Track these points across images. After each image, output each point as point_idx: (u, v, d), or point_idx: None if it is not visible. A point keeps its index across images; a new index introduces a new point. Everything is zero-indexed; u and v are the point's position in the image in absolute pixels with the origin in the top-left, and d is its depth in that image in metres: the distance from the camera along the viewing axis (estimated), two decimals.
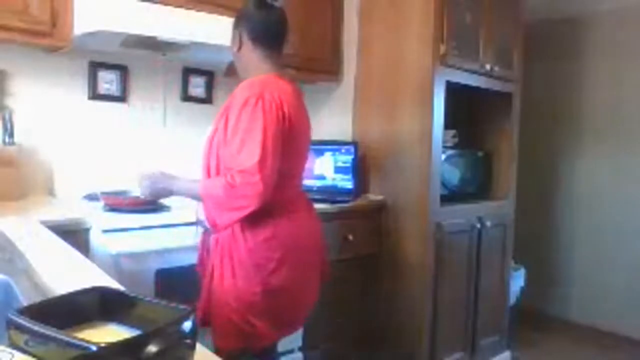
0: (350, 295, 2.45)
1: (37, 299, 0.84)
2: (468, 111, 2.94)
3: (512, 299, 3.08)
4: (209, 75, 2.60)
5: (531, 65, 3.27)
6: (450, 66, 2.45)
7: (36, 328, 0.57)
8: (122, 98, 2.34)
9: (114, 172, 2.20)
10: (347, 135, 2.73)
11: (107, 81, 2.29)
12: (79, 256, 1.20)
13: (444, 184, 2.55)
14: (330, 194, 2.53)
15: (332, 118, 2.83)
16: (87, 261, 1.16)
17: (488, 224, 2.71)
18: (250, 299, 1.48)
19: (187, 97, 2.54)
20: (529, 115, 3.21)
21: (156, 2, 1.98)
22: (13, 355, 0.57)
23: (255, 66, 1.61)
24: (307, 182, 2.46)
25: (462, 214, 2.63)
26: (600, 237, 3.52)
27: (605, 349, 3.22)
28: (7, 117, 1.98)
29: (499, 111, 2.93)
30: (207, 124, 1.77)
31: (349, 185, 2.56)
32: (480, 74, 2.65)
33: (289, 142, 1.50)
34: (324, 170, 2.62)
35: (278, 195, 1.47)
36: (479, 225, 2.68)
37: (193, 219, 1.74)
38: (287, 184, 1.54)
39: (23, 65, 2.08)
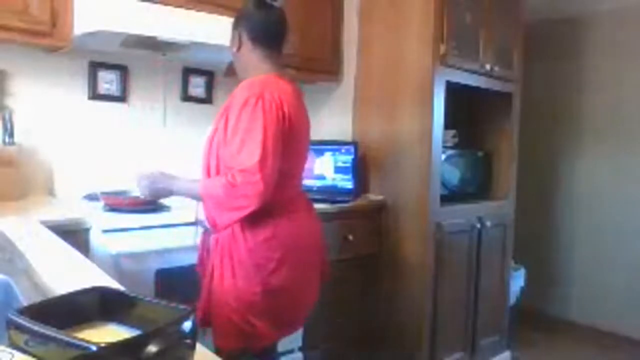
0: (350, 295, 2.45)
1: (37, 299, 0.84)
2: (468, 111, 2.94)
3: (512, 299, 3.08)
4: (209, 75, 2.60)
5: (531, 65, 3.27)
6: (450, 66, 2.45)
7: (36, 328, 0.57)
8: (122, 98, 2.34)
9: (114, 172, 2.20)
10: (347, 135, 2.73)
11: (107, 81, 2.29)
12: (79, 256, 1.20)
13: (444, 184, 2.55)
14: (330, 194, 2.53)
15: (332, 118, 2.83)
16: (87, 261, 1.16)
17: (488, 224, 2.71)
18: (250, 299, 1.48)
19: (187, 97, 2.54)
20: (529, 115, 3.21)
21: (156, 2, 1.98)
22: (13, 355, 0.57)
23: (255, 66, 1.61)
24: (307, 182, 2.47)
25: (462, 214, 2.63)
26: (600, 237, 3.52)
27: (605, 349, 3.22)
28: (7, 117, 1.98)
29: (499, 111, 2.93)
30: (207, 124, 1.77)
31: (349, 185, 2.56)
32: (480, 74, 2.65)
33: (289, 142, 1.50)
34: (324, 170, 2.62)
35: (278, 195, 1.47)
36: (479, 225, 2.68)
37: (193, 219, 1.74)
38: (287, 184, 1.54)
39: (23, 65, 2.08)
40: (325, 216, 2.17)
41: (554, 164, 3.75)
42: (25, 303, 0.84)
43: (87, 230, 1.70)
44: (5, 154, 1.98)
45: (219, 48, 2.04)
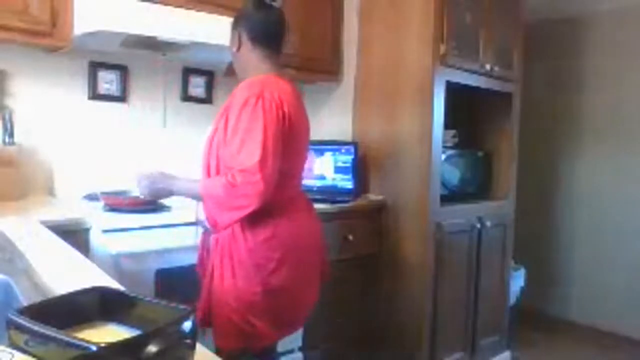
0: (350, 295, 2.45)
1: (37, 299, 0.84)
2: (468, 111, 2.94)
3: (512, 299, 3.08)
4: (209, 75, 2.60)
5: (531, 65, 3.27)
6: (450, 66, 2.45)
7: (36, 328, 0.57)
8: (122, 98, 2.34)
9: (114, 172, 2.20)
10: (347, 135, 2.73)
11: (107, 81, 2.29)
12: (79, 256, 1.20)
13: (444, 184, 2.55)
14: (330, 194, 2.53)
15: (332, 118, 2.83)
16: (87, 261, 1.16)
17: (488, 224, 2.71)
18: (251, 299, 1.48)
19: (187, 97, 2.54)
20: (529, 115, 3.21)
21: (156, 2, 1.98)
22: (13, 355, 0.57)
23: (254, 66, 1.61)
24: (307, 182, 2.46)
25: (462, 214, 2.63)
26: (600, 237, 3.52)
27: (605, 349, 3.22)
28: (7, 117, 1.98)
29: (499, 111, 2.93)
30: (207, 124, 1.77)
31: (349, 185, 2.56)
32: (480, 74, 2.65)
33: (289, 141, 1.50)
34: (324, 170, 2.62)
35: (278, 195, 1.47)
36: (479, 225, 2.68)
37: (193, 219, 1.74)
38: (287, 184, 1.54)
39: (23, 65, 2.08)
40: (325, 216, 2.17)
41: (554, 164, 3.75)
42: (25, 303, 0.84)
43: (87, 230, 1.70)
44: (5, 154, 1.98)
45: (219, 48, 2.04)
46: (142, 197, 1.67)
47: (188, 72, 2.53)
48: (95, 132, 2.26)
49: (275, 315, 1.53)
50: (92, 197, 2.01)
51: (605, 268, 3.48)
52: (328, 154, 2.61)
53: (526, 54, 2.98)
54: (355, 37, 2.72)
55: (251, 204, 1.40)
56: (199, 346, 0.67)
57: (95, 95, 2.26)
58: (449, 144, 2.69)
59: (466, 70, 2.56)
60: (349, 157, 2.56)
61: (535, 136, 3.55)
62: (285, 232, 1.53)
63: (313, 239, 1.65)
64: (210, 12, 2.11)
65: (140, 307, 0.69)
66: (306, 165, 1.71)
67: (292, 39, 1.86)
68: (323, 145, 2.62)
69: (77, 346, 0.55)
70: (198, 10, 2.08)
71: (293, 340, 2.13)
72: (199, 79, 2.57)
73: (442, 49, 2.40)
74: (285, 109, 1.49)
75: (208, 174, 1.57)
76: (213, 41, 2.04)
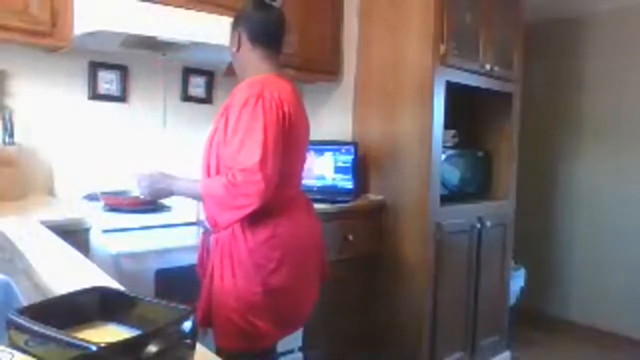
0: (350, 295, 2.45)
1: (37, 299, 0.84)
2: (468, 111, 2.94)
3: (512, 299, 3.08)
4: (209, 75, 2.60)
5: (531, 65, 3.27)
6: (450, 66, 2.45)
7: (36, 328, 0.57)
8: (122, 98, 2.34)
9: (114, 172, 2.20)
10: (347, 135, 2.73)
11: (107, 81, 2.29)
12: (79, 256, 1.20)
13: (444, 184, 2.55)
14: (330, 194, 2.53)
15: (332, 118, 2.83)
16: (87, 261, 1.16)
17: (488, 224, 2.71)
18: (251, 299, 1.48)
19: (187, 97, 2.54)
20: (529, 115, 3.21)
21: (156, 2, 1.98)
22: (13, 355, 0.57)
23: (254, 66, 1.61)
24: (307, 182, 2.46)
25: (462, 214, 2.63)
26: (600, 237, 3.52)
27: (605, 349, 3.22)
28: (7, 117, 1.98)
29: (499, 111, 2.93)
30: (207, 124, 1.77)
31: (349, 185, 2.56)
32: (480, 74, 2.65)
33: (289, 141, 1.50)
34: (324, 170, 2.62)
35: (278, 195, 1.47)
36: (479, 225, 2.68)
37: (193, 219, 1.74)
38: (286, 184, 1.54)
39: (23, 65, 2.08)
40: (325, 216, 2.17)
41: (554, 164, 3.75)
42: (25, 303, 0.84)
43: (87, 230, 1.70)
44: (5, 154, 1.98)
45: (219, 48, 2.04)
46: (142, 197, 1.67)
47: (188, 72, 2.53)
48: (95, 132, 2.26)
49: (275, 315, 1.53)
50: (92, 197, 2.01)
51: (605, 268, 3.48)
52: (328, 154, 2.61)
53: (526, 54, 2.98)
54: (355, 37, 2.72)
55: (252, 204, 1.40)
56: (199, 346, 0.67)
57: (95, 95, 2.26)
58: (449, 144, 2.69)
59: (466, 70, 2.56)
60: (349, 157, 2.56)
61: (535, 136, 3.55)
62: (286, 232, 1.53)
63: (313, 239, 1.65)
64: (210, 12, 2.11)
65: (140, 307, 0.69)
66: (306, 165, 1.71)
67: (292, 39, 1.87)
68: (323, 145, 2.62)
69: (77, 346, 0.55)
70: (198, 10, 2.08)
71: (293, 340, 2.13)
72: (199, 79, 2.57)
73: (442, 49, 2.40)
74: (285, 109, 1.49)
75: (208, 174, 1.57)
76: (213, 41, 2.04)
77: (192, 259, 1.69)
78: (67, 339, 0.56)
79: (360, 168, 2.61)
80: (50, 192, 2.15)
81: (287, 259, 1.52)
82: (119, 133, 2.32)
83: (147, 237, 1.75)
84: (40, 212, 1.74)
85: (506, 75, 2.80)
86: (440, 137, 2.45)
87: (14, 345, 0.59)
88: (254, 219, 1.47)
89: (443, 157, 2.52)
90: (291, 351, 2.16)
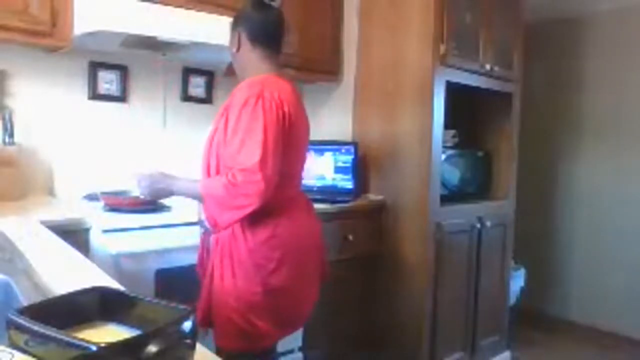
0: (350, 295, 2.45)
1: (37, 299, 0.84)
2: (468, 111, 2.94)
3: (512, 299, 3.08)
4: (209, 75, 2.60)
5: (531, 65, 3.27)
6: (450, 66, 2.45)
7: (36, 328, 0.57)
8: (122, 98, 2.34)
9: (114, 172, 2.19)
10: (347, 135, 2.73)
11: (107, 81, 2.29)
12: (79, 256, 1.20)
13: (444, 184, 2.55)
14: (330, 194, 2.53)
15: (332, 118, 2.83)
16: (87, 261, 1.16)
17: (488, 224, 2.71)
18: (251, 299, 1.48)
19: (187, 97, 2.54)
20: (529, 115, 3.21)
21: (156, 2, 1.98)
22: (13, 355, 0.57)
23: (254, 66, 1.61)
24: (307, 182, 2.46)
25: (462, 214, 2.63)
26: (600, 237, 3.52)
27: (605, 349, 3.22)
28: (7, 117, 1.98)
29: (499, 111, 2.93)
30: (207, 124, 1.77)
31: (349, 185, 2.56)
32: (480, 74, 2.65)
33: (289, 141, 1.50)
34: (324, 170, 2.62)
35: (278, 195, 1.47)
36: (479, 225, 2.68)
37: (193, 219, 1.74)
38: (286, 184, 1.54)
39: (23, 65, 2.08)
40: (325, 216, 2.17)
41: (554, 164, 3.75)
42: (25, 303, 0.84)
43: (87, 230, 1.70)
44: (5, 154, 1.98)
45: (219, 48, 2.04)
46: (142, 197, 1.67)
47: (188, 72, 2.53)
48: (95, 132, 2.26)
49: (275, 315, 1.53)
50: (92, 197, 2.00)
51: (605, 268, 3.48)
52: (328, 154, 2.61)
53: (526, 54, 2.98)
54: (355, 37, 2.72)
55: (252, 204, 1.40)
56: (199, 346, 0.67)
57: (95, 95, 2.26)
58: (449, 144, 2.69)
59: (466, 70, 2.56)
60: (349, 157, 2.56)
61: (535, 136, 3.55)
62: (285, 232, 1.53)
63: (313, 239, 1.65)
64: (210, 12, 2.11)
65: (140, 307, 0.69)
66: (306, 165, 1.71)
67: (291, 39, 1.87)
68: (323, 145, 2.62)
69: (77, 346, 0.55)
70: (198, 10, 2.08)
71: (293, 340, 2.13)
72: (199, 79, 2.57)
73: (442, 49, 2.40)
74: (285, 109, 1.49)
75: (208, 174, 1.57)
76: (213, 41, 2.04)
77: (192, 259, 1.69)
78: (67, 339, 0.56)
79: (360, 168, 2.61)
80: (50, 192, 2.15)
81: (287, 259, 1.52)
82: (119, 133, 2.32)
83: (147, 237, 1.75)
84: (40, 212, 1.74)
85: (506, 75, 2.80)
86: (440, 137, 2.45)
87: (14, 345, 0.59)
88: (254, 219, 1.47)
89: (443, 157, 2.52)
90: (291, 351, 2.16)
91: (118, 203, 1.89)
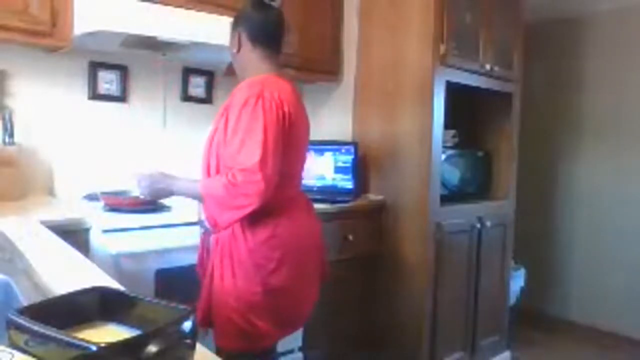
0: (350, 295, 2.45)
1: (37, 299, 0.84)
2: (468, 111, 2.94)
3: (512, 299, 3.08)
4: (209, 75, 2.60)
5: (531, 65, 3.27)
6: (450, 66, 2.45)
7: (36, 328, 0.57)
8: (122, 98, 2.34)
9: (114, 172, 2.19)
10: (347, 135, 2.73)
11: (107, 81, 2.29)
12: (79, 256, 1.20)
13: (444, 184, 2.55)
14: (330, 194, 2.53)
15: (332, 118, 2.83)
16: (87, 261, 1.16)
17: (488, 224, 2.71)
18: (251, 299, 1.48)
19: (187, 97, 2.54)
20: (529, 115, 3.21)
21: (156, 2, 1.98)
22: (13, 355, 0.57)
23: (255, 66, 1.61)
24: (307, 182, 2.46)
25: (462, 214, 2.63)
26: (600, 237, 3.52)
27: (605, 349, 3.22)
28: (7, 117, 1.98)
29: (499, 111, 2.93)
30: (207, 124, 1.77)
31: (349, 185, 2.56)
32: (480, 74, 2.65)
33: (289, 141, 1.50)
34: (324, 170, 2.62)
35: (278, 195, 1.47)
36: (479, 225, 2.68)
37: (193, 219, 1.74)
38: (286, 184, 1.54)
39: (23, 65, 2.08)
40: (325, 216, 2.17)
41: (554, 164, 3.75)
42: (25, 303, 0.84)
43: (87, 230, 1.70)
44: (5, 154, 1.98)
45: (219, 48, 2.04)
46: (142, 197, 1.67)
47: (188, 72, 2.53)
48: (95, 132, 2.26)
49: (275, 315, 1.53)
50: (92, 197, 2.00)
51: (605, 268, 3.48)
52: (328, 154, 2.61)
53: (526, 54, 2.97)
54: (355, 37, 2.72)
55: (251, 204, 1.40)
56: (199, 346, 0.67)
57: (95, 95, 2.26)
58: (449, 144, 2.69)
59: (466, 70, 2.56)
60: (349, 157, 2.56)
61: (535, 136, 3.55)
62: (285, 232, 1.53)
63: (313, 238, 1.65)
64: (210, 12, 2.11)
65: (140, 307, 0.69)
66: (306, 165, 1.71)
67: (291, 39, 1.87)
68: (323, 145, 2.62)
69: (77, 346, 0.55)
70: (198, 10, 2.08)
71: (293, 340, 2.13)
72: (199, 79, 2.57)
73: (442, 49, 2.40)
74: (286, 109, 1.49)
75: (208, 174, 1.57)
76: (213, 41, 2.04)
77: (192, 259, 1.69)
78: (67, 339, 0.56)
79: (360, 168, 2.61)
80: (50, 192, 2.15)
81: (287, 259, 1.52)
82: (119, 133, 2.32)
83: (147, 237, 1.75)
84: (40, 212, 1.74)
85: (506, 75, 2.80)
86: (440, 137, 2.45)
87: (14, 345, 0.59)
88: (254, 219, 1.47)
89: (443, 157, 2.52)
90: (291, 351, 2.16)
91: (118, 203, 1.89)
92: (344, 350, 2.40)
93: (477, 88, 2.67)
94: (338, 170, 2.59)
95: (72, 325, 0.66)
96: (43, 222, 1.52)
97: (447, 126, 2.51)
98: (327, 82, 2.80)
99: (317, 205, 1.89)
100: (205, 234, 1.63)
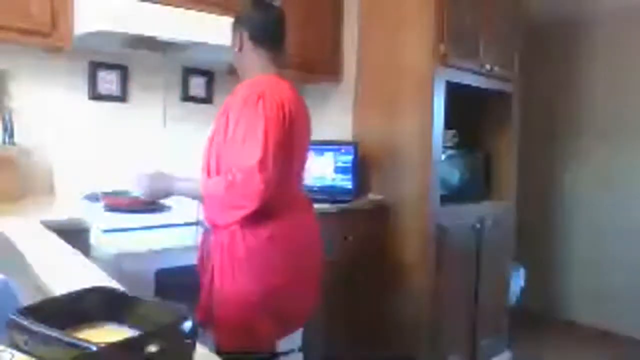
0: (350, 295, 2.45)
1: (37, 299, 0.84)
2: (468, 111, 2.94)
3: (512, 299, 3.08)
4: (209, 75, 2.60)
5: (531, 65, 3.27)
6: (450, 66, 2.45)
7: (36, 328, 0.57)
8: (122, 98, 2.34)
9: (114, 172, 2.20)
10: (347, 135, 2.73)
11: (107, 81, 2.29)
12: (79, 256, 1.20)
13: (444, 184, 2.55)
14: (330, 194, 2.53)
15: (332, 118, 2.83)
16: (87, 261, 1.16)
17: (488, 224, 2.71)
18: (251, 299, 1.48)
19: (187, 97, 2.54)
20: (529, 115, 3.21)
21: (156, 2, 1.98)
22: (13, 355, 0.57)
23: (257, 66, 1.61)
24: (307, 182, 2.46)
25: (462, 214, 2.63)
26: (600, 237, 3.52)
27: (605, 349, 3.22)
28: (7, 117, 1.98)
29: (499, 111, 2.93)
30: (207, 124, 1.77)
31: (349, 185, 2.56)
32: (480, 74, 2.65)
33: (290, 141, 1.50)
34: (324, 170, 2.62)
35: (278, 195, 1.47)
36: (479, 225, 2.68)
37: (193, 219, 1.74)
38: (287, 184, 1.54)
39: (23, 66, 2.08)
40: (325, 216, 2.17)
41: (554, 164, 3.75)
42: (25, 303, 0.84)
43: (87, 230, 1.70)
44: (5, 154, 1.98)
45: (219, 48, 2.04)
46: (142, 197, 1.67)
47: (188, 72, 2.53)
48: (95, 132, 2.26)
49: (275, 314, 1.53)
50: (92, 197, 2.00)
51: (605, 268, 3.47)
52: (328, 154, 2.61)
53: (527, 55, 2.97)
54: (355, 37, 2.72)
55: (251, 204, 1.40)
56: (199, 346, 0.67)
57: (95, 95, 2.26)
58: (449, 144, 2.69)
59: (466, 70, 2.56)
60: (349, 157, 2.56)
61: (535, 136, 3.55)
62: (285, 232, 1.53)
63: (313, 238, 1.65)
64: (210, 12, 2.11)
65: (140, 307, 0.69)
66: (306, 165, 1.71)
67: (292, 39, 1.86)
68: (323, 145, 2.62)
69: (78, 346, 0.54)
70: (198, 10, 2.08)
71: (293, 340, 2.13)
72: (199, 79, 2.57)
73: (442, 49, 2.40)
74: (286, 109, 1.49)
75: (208, 174, 1.57)
76: (213, 41, 2.04)
77: (192, 259, 1.69)
78: (67, 339, 0.56)
79: (360, 168, 2.61)
80: (50, 192, 2.15)
81: (287, 258, 1.52)
82: (119, 133, 2.32)
83: (147, 237, 1.75)
84: (40, 212, 1.74)
85: (506, 75, 2.80)
86: (440, 137, 2.45)
87: (14, 345, 0.59)
88: (254, 219, 1.47)
89: (443, 157, 2.52)
90: (291, 351, 2.16)
91: (118, 203, 1.89)
92: (344, 350, 2.40)
93: (477, 88, 2.67)
94: (338, 170, 2.59)
95: (72, 325, 0.66)
96: (43, 222, 1.52)
97: (447, 126, 2.51)
98: (327, 82, 2.80)
99: (317, 205, 1.89)
100: (205, 234, 1.63)
